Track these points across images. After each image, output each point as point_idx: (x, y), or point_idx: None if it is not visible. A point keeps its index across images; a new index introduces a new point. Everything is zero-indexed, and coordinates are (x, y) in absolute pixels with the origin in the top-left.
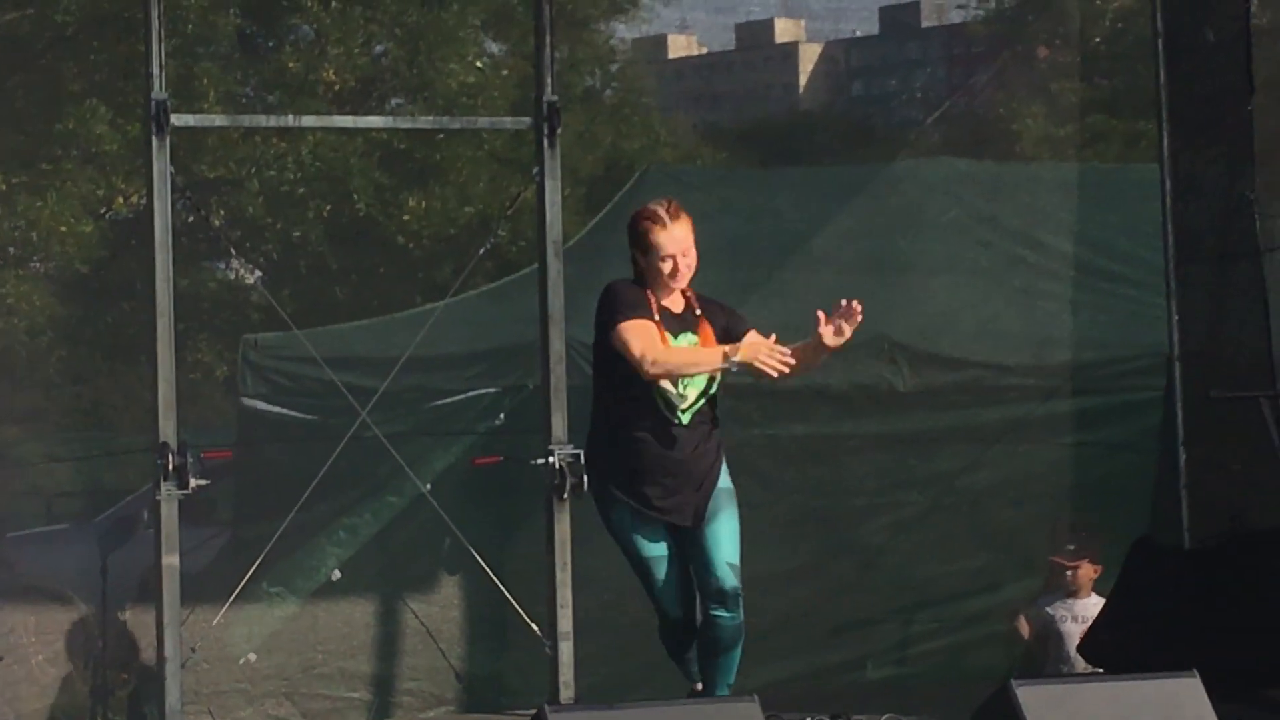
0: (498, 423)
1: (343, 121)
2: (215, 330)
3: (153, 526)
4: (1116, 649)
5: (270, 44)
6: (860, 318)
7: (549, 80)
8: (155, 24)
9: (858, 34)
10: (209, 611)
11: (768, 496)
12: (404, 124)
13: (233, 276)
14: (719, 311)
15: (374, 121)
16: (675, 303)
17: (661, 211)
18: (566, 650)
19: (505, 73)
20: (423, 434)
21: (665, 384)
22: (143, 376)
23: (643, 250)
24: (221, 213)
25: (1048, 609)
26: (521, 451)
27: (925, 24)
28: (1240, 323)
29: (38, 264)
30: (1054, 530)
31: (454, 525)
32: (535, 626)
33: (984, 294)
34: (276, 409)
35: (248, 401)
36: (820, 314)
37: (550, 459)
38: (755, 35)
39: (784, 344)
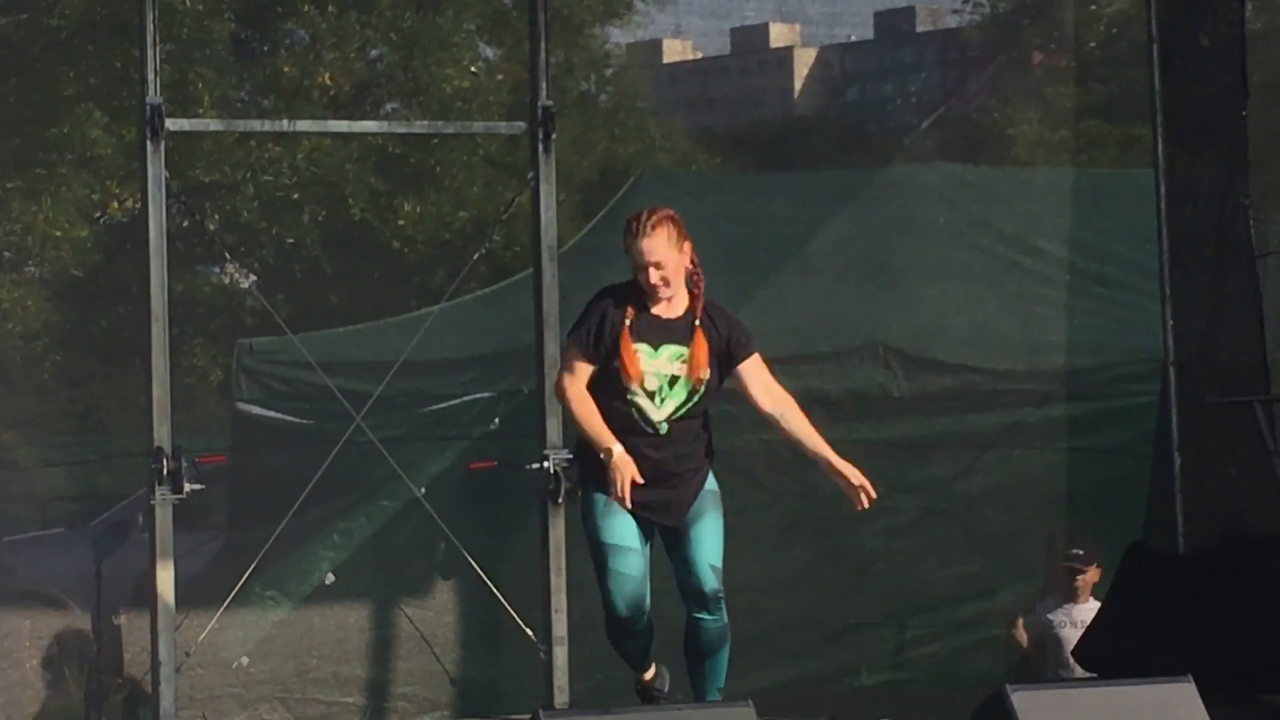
0: (492, 427)
1: (338, 126)
2: (210, 335)
3: (147, 531)
4: (1111, 654)
5: (265, 49)
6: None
7: (544, 85)
8: (150, 29)
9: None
10: (203, 616)
11: (763, 501)
12: (399, 129)
13: (227, 281)
14: (725, 326)
15: (369, 126)
16: (670, 310)
17: (635, 222)
18: (561, 655)
19: (500, 77)
20: (417, 438)
21: (639, 399)
22: (137, 381)
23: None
24: (216, 217)
25: (1046, 614)
26: (516, 456)
27: (920, 29)
28: (1235, 328)
29: (32, 268)
30: (1052, 536)
31: (448, 530)
32: (530, 631)
33: (979, 299)
34: (271, 413)
35: (242, 406)
36: (846, 482)
37: (545, 464)
38: (750, 40)
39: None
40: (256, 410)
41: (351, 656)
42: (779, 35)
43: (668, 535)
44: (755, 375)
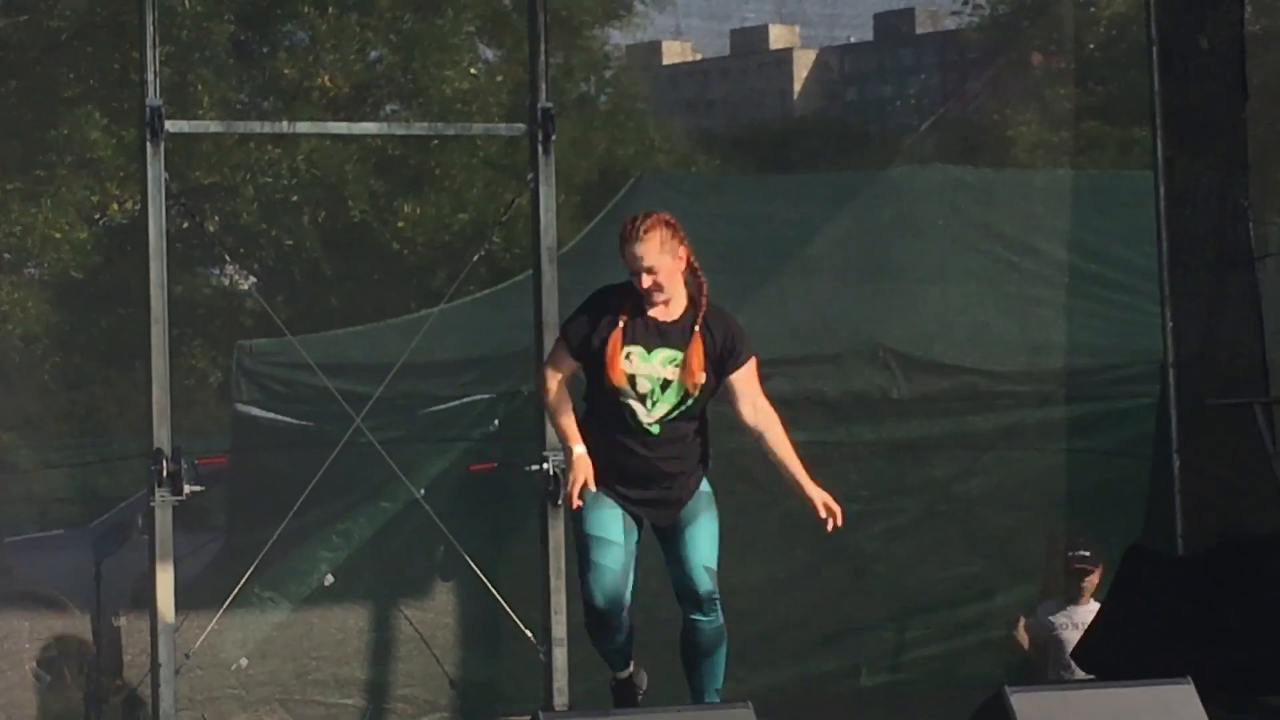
0: (492, 429)
1: (337, 128)
2: (209, 336)
3: (147, 532)
4: (1110, 655)
5: (265, 50)
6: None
7: (543, 87)
8: (150, 30)
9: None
10: (203, 617)
11: (762, 503)
12: (398, 130)
13: (227, 283)
14: (722, 332)
15: (368, 128)
16: (667, 313)
17: (628, 227)
18: (561, 656)
19: (500, 79)
20: (417, 440)
21: (630, 401)
22: (137, 382)
23: None
24: (216, 219)
25: (1048, 616)
26: (516, 458)
27: (919, 31)
28: (1234, 329)
29: (32, 270)
30: (1052, 537)
31: (448, 531)
32: (530, 632)
33: (978, 300)
34: (271, 415)
35: (242, 408)
36: (820, 506)
37: (544, 465)
38: (750, 41)
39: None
40: (256, 412)
41: (351, 658)
42: (778, 37)
43: (662, 537)
44: (743, 388)
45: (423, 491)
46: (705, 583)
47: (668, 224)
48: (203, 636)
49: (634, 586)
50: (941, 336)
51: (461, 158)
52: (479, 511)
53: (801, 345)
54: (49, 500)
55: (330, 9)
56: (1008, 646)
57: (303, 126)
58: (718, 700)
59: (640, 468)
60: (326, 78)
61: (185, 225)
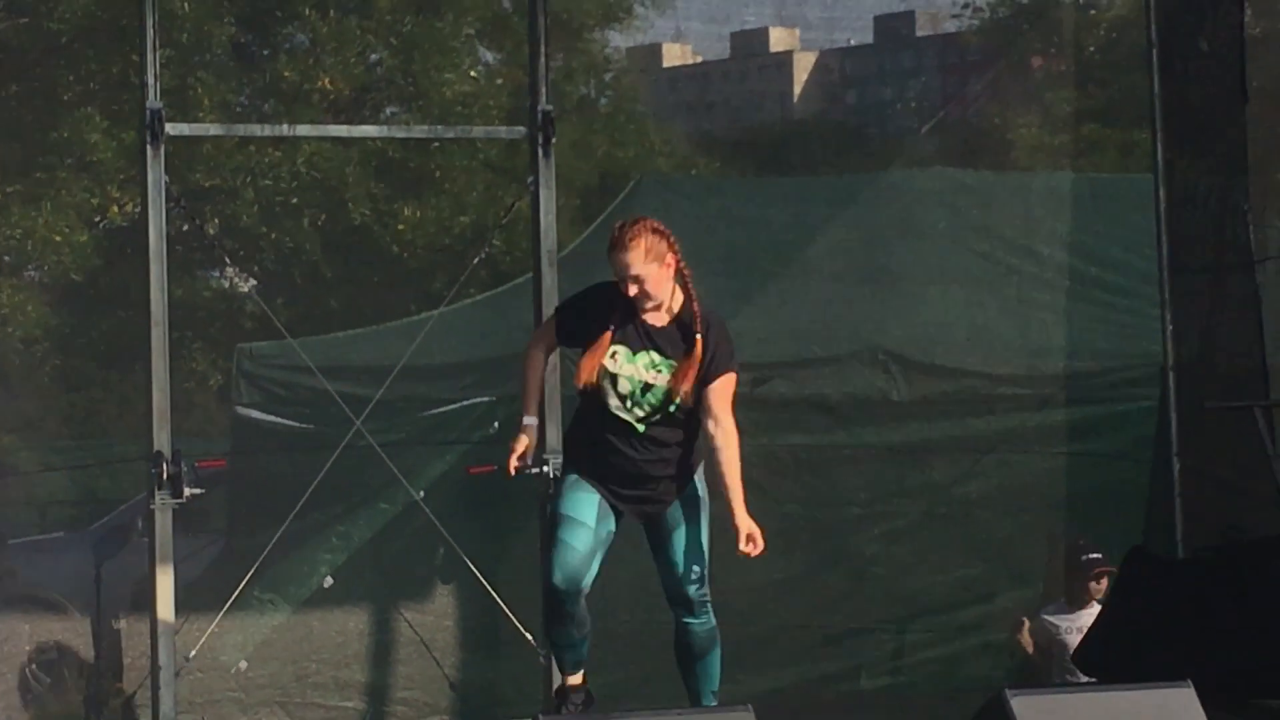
0: (492, 431)
1: (337, 130)
2: (210, 339)
3: (147, 535)
4: (1110, 659)
5: (265, 53)
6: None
7: (544, 89)
8: (150, 33)
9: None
10: (203, 620)
11: (762, 506)
12: (399, 133)
13: (227, 285)
14: (714, 343)
15: (369, 131)
16: (658, 318)
17: (615, 233)
18: None
19: (500, 82)
20: (417, 443)
21: (610, 400)
22: (137, 385)
23: None
24: (216, 222)
25: (1052, 620)
26: None
27: (919, 33)
28: (1234, 332)
29: (32, 273)
30: (1053, 539)
31: (448, 534)
32: (529, 635)
33: (978, 303)
34: (271, 418)
35: (242, 410)
36: (742, 536)
37: (544, 468)
38: (750, 44)
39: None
40: (256, 414)
41: (351, 661)
42: (779, 39)
43: (652, 541)
44: (713, 400)
45: (422, 494)
46: (694, 586)
47: (655, 231)
48: (203, 639)
49: (597, 575)
50: (941, 339)
51: (461, 161)
52: (479, 514)
53: (801, 348)
54: (49, 503)
55: (331, 12)
56: (1010, 650)
57: (303, 129)
58: (715, 702)
59: (625, 466)
60: (327, 80)
61: (185, 228)
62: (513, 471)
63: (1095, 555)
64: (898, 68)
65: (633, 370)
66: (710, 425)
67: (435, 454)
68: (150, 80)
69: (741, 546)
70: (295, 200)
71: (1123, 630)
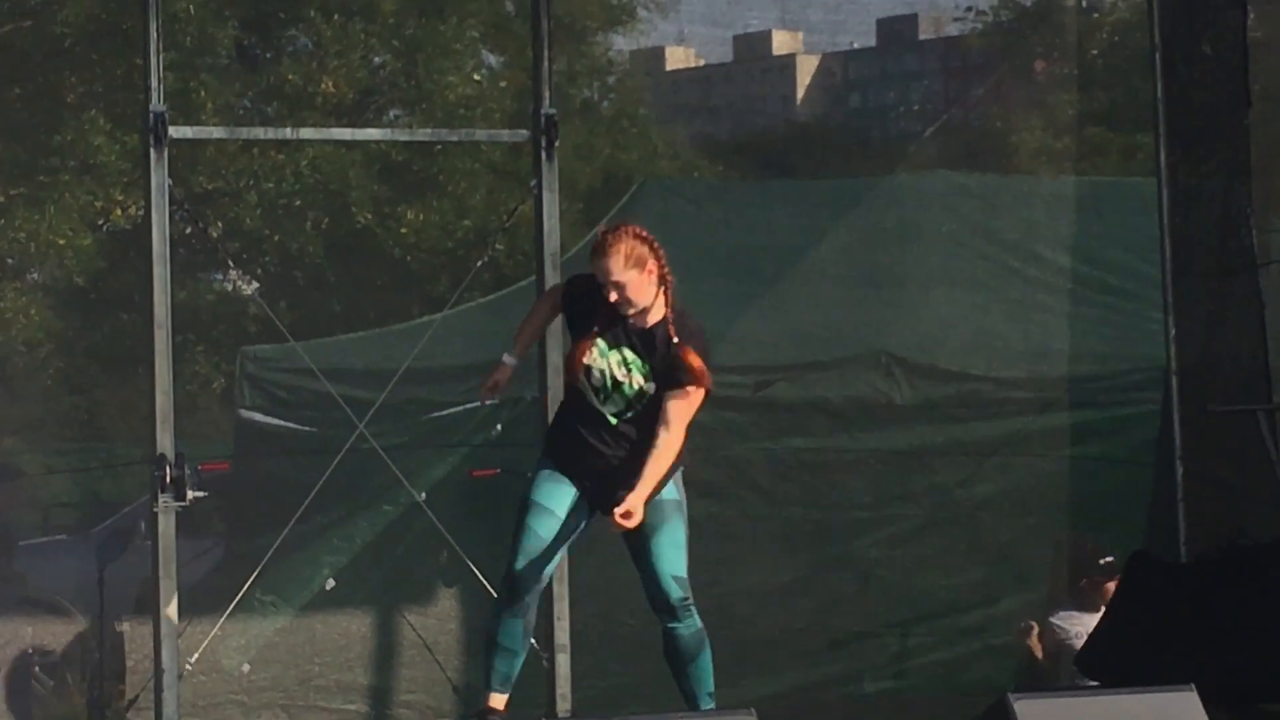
0: (494, 434)
1: (340, 134)
2: (212, 342)
3: (150, 538)
4: (1113, 662)
5: (268, 56)
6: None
7: (547, 93)
8: (154, 36)
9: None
10: (205, 623)
11: (765, 509)
12: (402, 136)
13: (230, 288)
14: (676, 354)
15: (372, 134)
16: (641, 320)
17: (596, 240)
18: (564, 663)
19: (503, 85)
20: (420, 446)
21: (588, 393)
22: (140, 388)
23: None
24: (219, 224)
25: (1060, 624)
26: (519, 463)
27: (923, 37)
28: (1237, 335)
29: (35, 276)
30: (1059, 543)
31: (451, 537)
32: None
33: (981, 307)
34: (274, 421)
35: (245, 413)
36: (620, 508)
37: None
38: (753, 47)
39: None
40: (259, 417)
41: (354, 664)
42: (782, 43)
43: (631, 549)
44: (670, 408)
45: (424, 496)
46: (676, 591)
47: (637, 236)
48: (205, 642)
49: (556, 564)
50: (945, 343)
51: (464, 164)
52: (482, 517)
53: (804, 352)
54: (52, 505)
55: (334, 15)
56: (1015, 653)
57: (306, 132)
58: (712, 704)
59: (595, 459)
60: (330, 83)
61: (189, 231)
62: (483, 402)
63: (1109, 559)
64: (901, 71)
65: (604, 365)
66: (660, 429)
67: (438, 457)
68: (154, 83)
69: (616, 518)
70: (298, 203)
71: (1125, 634)
